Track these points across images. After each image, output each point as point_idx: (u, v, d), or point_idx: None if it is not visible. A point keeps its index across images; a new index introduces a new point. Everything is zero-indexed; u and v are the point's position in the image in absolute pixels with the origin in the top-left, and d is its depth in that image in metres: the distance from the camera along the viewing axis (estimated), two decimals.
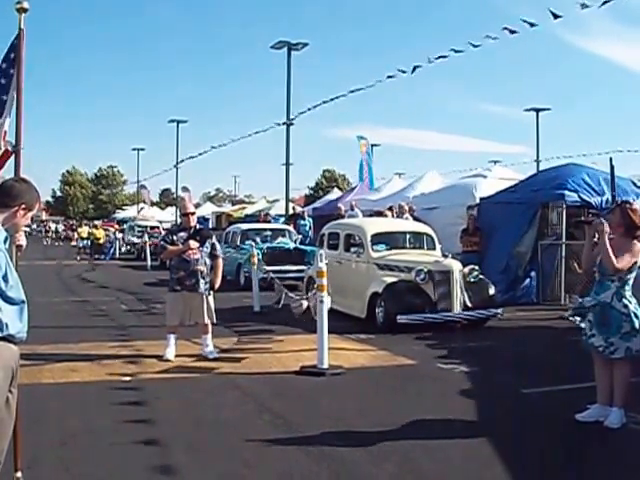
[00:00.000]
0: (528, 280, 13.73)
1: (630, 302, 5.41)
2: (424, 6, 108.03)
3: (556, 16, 12.99)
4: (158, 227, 35.74)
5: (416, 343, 9.17)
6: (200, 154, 35.99)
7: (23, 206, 3.49)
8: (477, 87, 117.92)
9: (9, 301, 3.26)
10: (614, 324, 5.39)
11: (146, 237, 29.11)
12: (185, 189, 44.26)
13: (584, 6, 12.46)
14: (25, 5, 4.45)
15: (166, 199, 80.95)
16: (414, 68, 17.35)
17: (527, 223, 13.97)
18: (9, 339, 3.27)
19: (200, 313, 8.27)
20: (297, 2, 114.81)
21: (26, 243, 4.02)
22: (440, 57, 16.27)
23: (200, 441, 5.14)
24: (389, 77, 18.91)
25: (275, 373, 7.50)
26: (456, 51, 15.70)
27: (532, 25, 13.73)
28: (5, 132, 4.38)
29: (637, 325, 5.36)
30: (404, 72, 17.97)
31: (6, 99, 4.40)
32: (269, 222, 22.93)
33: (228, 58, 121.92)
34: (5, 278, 3.24)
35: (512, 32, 14.12)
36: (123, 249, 34.97)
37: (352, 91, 21.42)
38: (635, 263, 5.45)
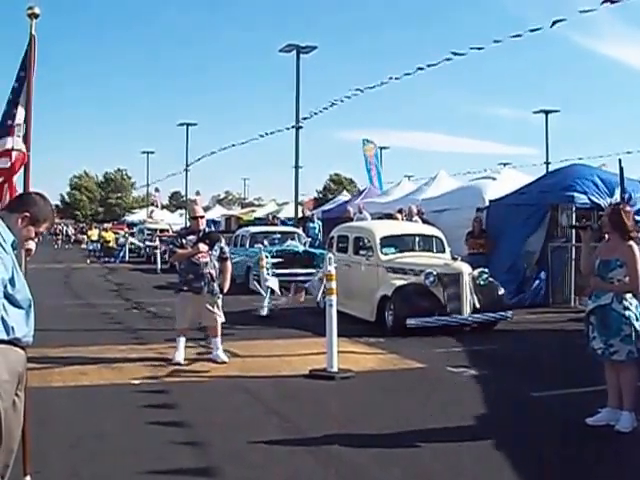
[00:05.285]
0: (537, 282, 13.67)
1: (631, 304, 5.38)
2: (435, 10, 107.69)
3: (556, 21, 13.12)
4: (168, 230, 35.74)
5: (425, 346, 9.14)
6: (202, 157, 36.24)
7: (26, 214, 3.51)
8: (486, 89, 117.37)
9: (16, 304, 3.27)
10: (614, 326, 5.35)
11: (157, 240, 29.04)
12: (198, 193, 44.61)
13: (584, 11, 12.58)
14: (36, 10, 4.37)
15: (175, 202, 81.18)
16: (418, 69, 17.62)
17: (536, 224, 13.94)
18: (15, 342, 3.28)
19: (209, 316, 8.28)
20: (307, 5, 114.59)
21: (35, 248, 4.02)
22: (445, 59, 16.38)
23: (208, 444, 5.14)
24: (396, 78, 19.09)
25: (284, 376, 7.49)
26: (459, 54, 15.82)
27: (533, 30, 13.86)
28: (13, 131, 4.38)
29: (638, 327, 5.33)
30: (409, 74, 18.19)
31: (19, 102, 4.41)
32: (277, 225, 22.95)
33: (239, 61, 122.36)
34: (12, 282, 3.25)
35: (514, 37, 14.25)
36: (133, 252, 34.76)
37: (359, 91, 21.47)
38: None
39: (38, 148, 4.51)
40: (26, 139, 4.36)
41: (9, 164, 4.30)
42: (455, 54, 15.95)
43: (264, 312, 12.32)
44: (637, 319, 5.35)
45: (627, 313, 5.34)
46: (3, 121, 4.38)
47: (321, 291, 9.04)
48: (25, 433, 3.77)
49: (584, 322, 5.72)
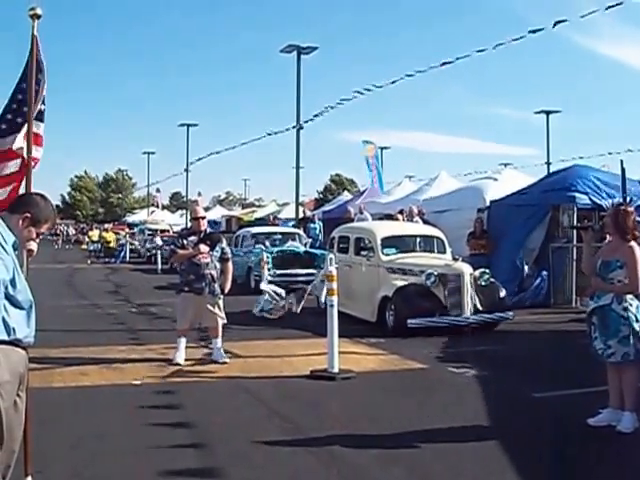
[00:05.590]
0: (538, 281, 13.66)
1: (631, 305, 5.36)
2: (436, 11, 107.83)
3: (558, 22, 13.16)
4: (168, 230, 35.73)
5: (427, 347, 9.13)
6: (202, 158, 36.19)
7: (27, 215, 3.51)
8: (487, 90, 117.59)
9: (17, 305, 3.27)
10: (612, 327, 5.35)
11: (158, 240, 28.92)
12: (199, 194, 44.78)
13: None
14: (38, 11, 4.37)
15: (176, 202, 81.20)
16: (418, 72, 17.72)
17: (537, 224, 13.93)
18: (16, 343, 3.28)
19: (210, 317, 8.28)
20: (307, 6, 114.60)
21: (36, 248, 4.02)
22: (445, 63, 16.48)
23: (209, 444, 5.14)
24: (394, 82, 19.13)
25: (285, 377, 7.49)
26: (461, 57, 15.90)
27: (534, 32, 13.90)
28: (26, 136, 4.38)
29: (637, 328, 5.31)
30: (410, 76, 18.24)
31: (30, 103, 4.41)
32: (277, 225, 22.97)
33: (240, 62, 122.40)
34: (13, 282, 3.25)
35: (516, 39, 14.34)
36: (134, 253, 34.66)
37: (359, 93, 21.44)
38: None
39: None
40: (28, 139, 4.36)
41: (19, 167, 4.32)
42: (458, 58, 16.03)
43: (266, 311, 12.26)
44: (637, 320, 5.33)
45: (626, 314, 5.33)
46: (14, 118, 4.38)
47: (325, 292, 9.06)
48: (26, 433, 3.77)
49: (586, 322, 5.71)
